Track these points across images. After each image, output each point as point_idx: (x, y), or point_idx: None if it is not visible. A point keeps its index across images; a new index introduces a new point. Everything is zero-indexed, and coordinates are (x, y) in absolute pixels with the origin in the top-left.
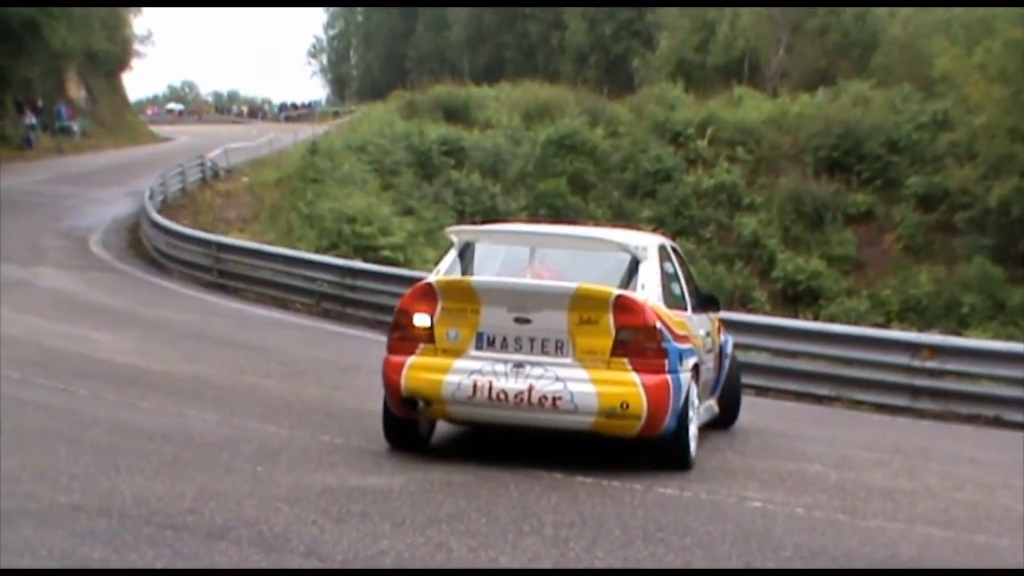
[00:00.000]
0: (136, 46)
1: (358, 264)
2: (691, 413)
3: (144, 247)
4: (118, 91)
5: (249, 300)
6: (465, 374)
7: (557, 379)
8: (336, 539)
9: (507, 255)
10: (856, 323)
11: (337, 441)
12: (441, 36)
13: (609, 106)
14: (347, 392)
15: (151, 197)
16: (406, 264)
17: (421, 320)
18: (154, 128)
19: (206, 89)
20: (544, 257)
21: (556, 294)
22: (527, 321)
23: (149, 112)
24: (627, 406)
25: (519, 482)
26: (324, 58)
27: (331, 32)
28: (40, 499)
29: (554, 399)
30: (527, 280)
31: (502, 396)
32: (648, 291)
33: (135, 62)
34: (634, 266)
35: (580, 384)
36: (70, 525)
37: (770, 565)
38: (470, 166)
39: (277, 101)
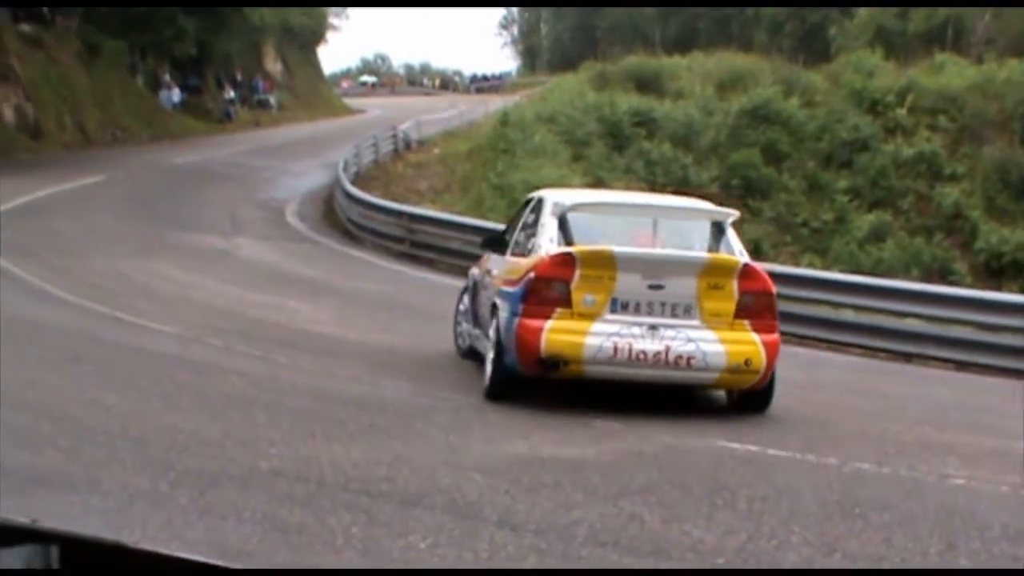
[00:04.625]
0: (331, 19)
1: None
2: None
3: (338, 218)
4: (313, 64)
5: (440, 270)
6: (604, 336)
7: (689, 340)
8: (528, 509)
9: (606, 224)
10: None
11: (530, 412)
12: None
13: (804, 75)
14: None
15: (345, 168)
16: None
17: (561, 287)
18: (347, 100)
19: (398, 61)
20: (645, 225)
21: (690, 263)
22: (660, 287)
23: (343, 85)
24: (749, 363)
25: (711, 455)
26: (515, 29)
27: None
28: (241, 464)
29: (688, 358)
30: (665, 250)
31: (641, 356)
32: (746, 256)
33: (330, 35)
34: (718, 233)
35: (710, 344)
36: (270, 489)
37: (975, 545)
38: (661, 137)
39: (468, 73)
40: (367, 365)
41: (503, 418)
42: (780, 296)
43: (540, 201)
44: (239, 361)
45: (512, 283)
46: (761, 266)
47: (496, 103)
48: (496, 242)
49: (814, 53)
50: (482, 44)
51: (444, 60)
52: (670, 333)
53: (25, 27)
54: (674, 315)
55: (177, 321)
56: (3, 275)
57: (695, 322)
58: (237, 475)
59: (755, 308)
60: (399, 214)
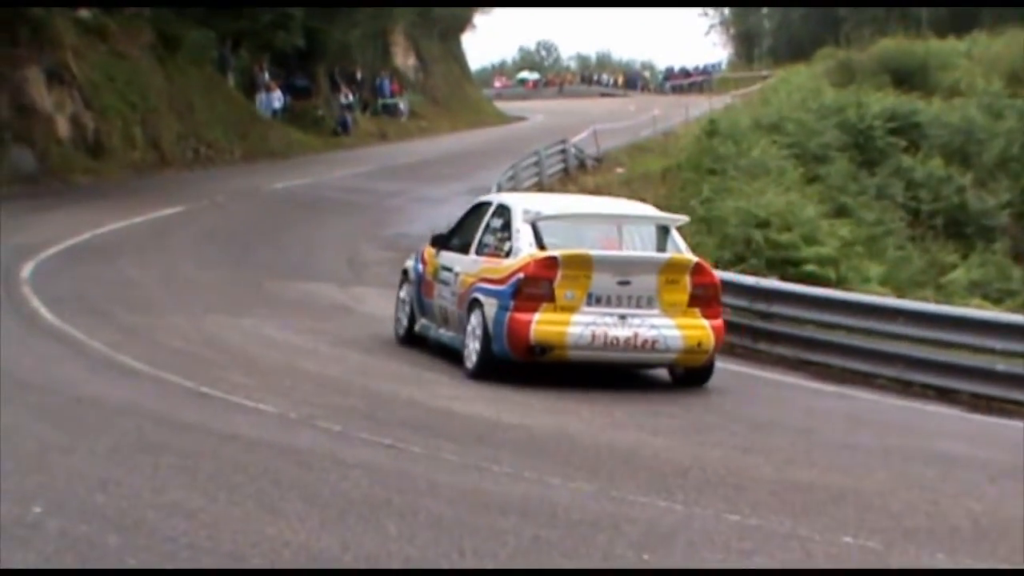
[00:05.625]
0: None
1: (774, 284)
2: None
3: None
4: (456, 58)
5: None
6: (583, 326)
7: (652, 327)
8: None
9: (575, 231)
10: None
11: (750, 522)
12: None
13: None
14: (761, 456)
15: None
16: (839, 283)
17: (546, 285)
18: (501, 105)
19: (568, 53)
20: (611, 231)
21: (653, 262)
22: (627, 283)
23: (496, 84)
24: (701, 344)
25: None
26: (725, 8)
27: None
28: None
29: (653, 342)
30: (632, 252)
31: (615, 342)
32: (690, 254)
33: (478, 19)
34: (664, 235)
35: (669, 330)
36: None
37: None
38: (928, 149)
39: (661, 66)
40: (531, 457)
41: (714, 530)
42: None
43: (505, 208)
44: (361, 451)
45: (498, 281)
46: None
47: (700, 106)
48: (442, 241)
49: None
50: (680, 28)
51: (629, 50)
52: (636, 321)
53: (84, 12)
54: (639, 306)
55: (281, 398)
56: (60, 339)
57: (656, 312)
58: None
59: (704, 298)
60: None
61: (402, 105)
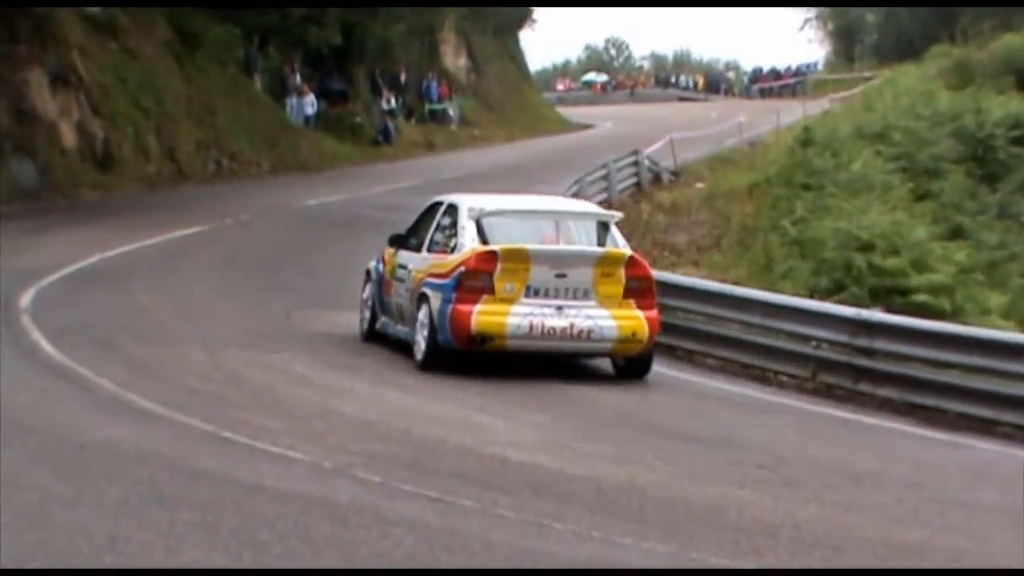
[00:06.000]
0: None
1: (878, 316)
2: None
3: None
4: (513, 58)
5: (706, 369)
6: (522, 316)
7: (588, 317)
8: None
9: (516, 226)
10: None
11: None
12: None
13: None
14: (863, 514)
15: None
16: (954, 316)
17: (486, 278)
18: (564, 110)
19: (641, 51)
20: (549, 227)
21: (588, 255)
22: (564, 276)
23: (559, 87)
24: (635, 334)
25: None
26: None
27: None
28: None
29: (588, 332)
30: (568, 246)
31: (552, 331)
32: (627, 248)
33: (539, 14)
34: (604, 230)
35: (605, 320)
36: None
37: None
38: None
39: (748, 67)
40: (597, 513)
41: None
42: None
43: (453, 207)
44: (404, 505)
45: (442, 276)
46: None
47: (792, 111)
48: (400, 240)
49: None
50: (770, 24)
51: (710, 48)
52: (573, 312)
53: (93, 8)
54: (575, 298)
55: (312, 444)
56: (63, 376)
57: (592, 303)
58: None
59: (638, 290)
60: None
61: (451, 111)
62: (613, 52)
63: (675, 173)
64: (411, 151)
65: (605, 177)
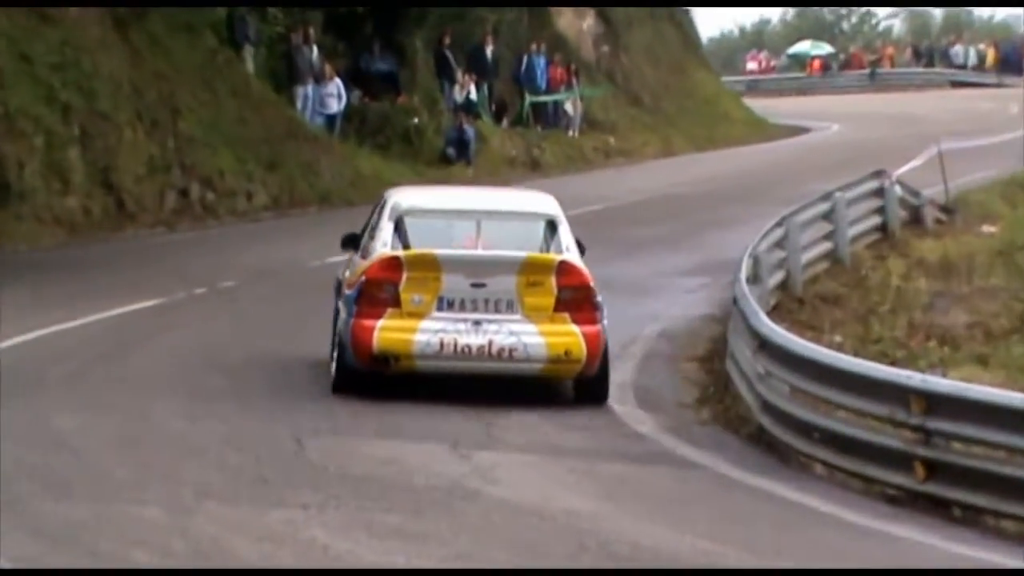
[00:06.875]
0: None
1: None
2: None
3: (737, 395)
4: (673, 19)
5: (1007, 538)
6: (432, 333)
7: (511, 333)
8: None
9: (437, 227)
10: None
11: None
12: None
13: None
14: None
15: (753, 277)
16: None
17: (390, 289)
18: (756, 103)
19: (888, 9)
20: (476, 229)
21: (508, 262)
22: (482, 285)
23: (749, 65)
24: (569, 353)
25: None
26: None
27: None
28: None
29: (511, 350)
30: (484, 251)
31: (466, 350)
32: (571, 253)
33: None
34: (551, 231)
35: (531, 336)
36: None
37: None
38: None
39: None
40: None
41: None
42: None
43: (384, 202)
44: None
45: (351, 286)
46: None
47: None
48: (353, 241)
49: None
50: None
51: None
52: (493, 327)
53: None
54: (497, 311)
55: None
56: None
57: (516, 316)
58: None
59: (574, 302)
60: (895, 392)
61: (570, 106)
62: (842, 11)
63: (946, 209)
64: (502, 172)
65: (828, 216)
